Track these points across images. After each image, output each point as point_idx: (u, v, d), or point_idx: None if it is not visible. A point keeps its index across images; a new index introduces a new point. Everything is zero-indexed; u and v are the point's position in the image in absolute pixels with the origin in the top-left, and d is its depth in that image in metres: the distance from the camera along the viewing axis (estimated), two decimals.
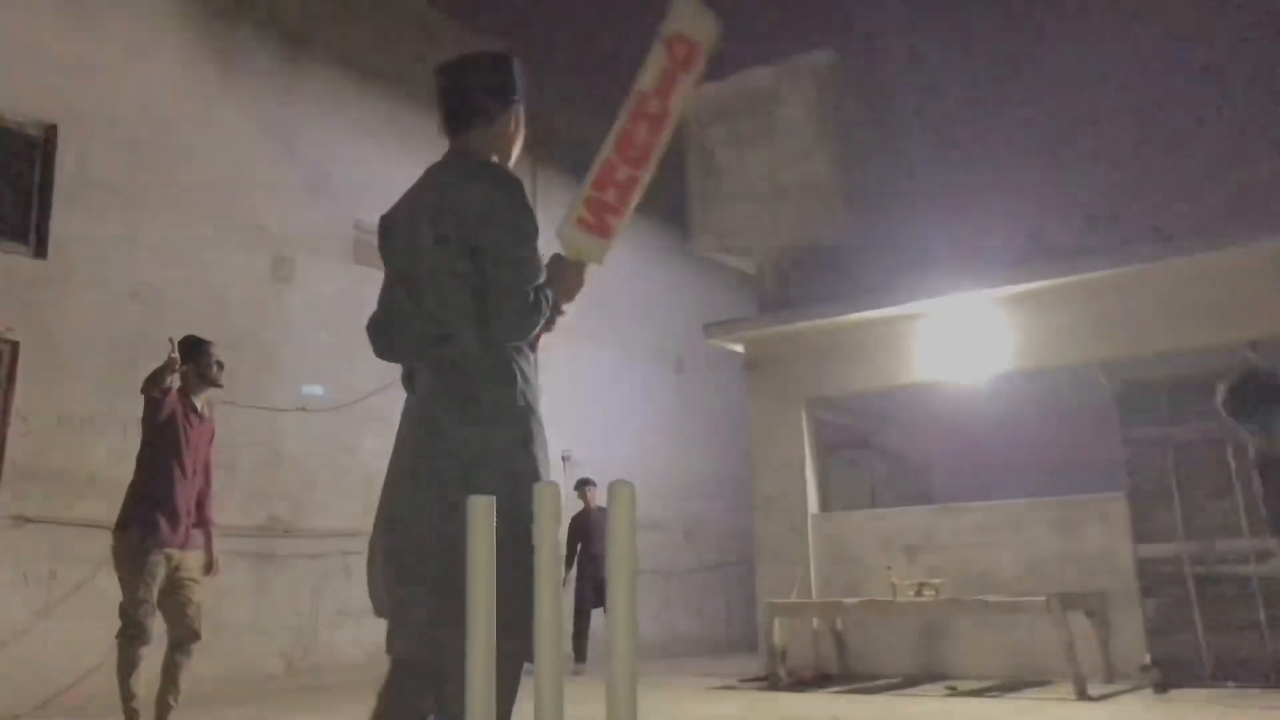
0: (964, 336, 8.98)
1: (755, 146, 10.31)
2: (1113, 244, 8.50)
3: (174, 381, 5.31)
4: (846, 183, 9.98)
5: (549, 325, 2.66)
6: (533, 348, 2.68)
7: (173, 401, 5.30)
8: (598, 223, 2.70)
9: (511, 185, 2.59)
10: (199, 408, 5.43)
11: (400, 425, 2.64)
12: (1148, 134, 9.28)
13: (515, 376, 2.53)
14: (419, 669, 2.45)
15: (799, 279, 10.14)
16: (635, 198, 2.75)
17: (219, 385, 5.54)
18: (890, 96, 11.14)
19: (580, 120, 13.11)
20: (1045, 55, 10.44)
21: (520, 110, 2.80)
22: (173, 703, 5.11)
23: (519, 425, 2.52)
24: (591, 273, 2.74)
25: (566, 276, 2.70)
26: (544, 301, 2.54)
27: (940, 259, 9.22)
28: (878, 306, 9.15)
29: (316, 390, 7.58)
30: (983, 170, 10.03)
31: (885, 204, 10.32)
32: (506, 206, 2.54)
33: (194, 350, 5.42)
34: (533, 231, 2.55)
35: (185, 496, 5.26)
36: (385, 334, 2.69)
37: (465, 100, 2.76)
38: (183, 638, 5.16)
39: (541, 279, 2.55)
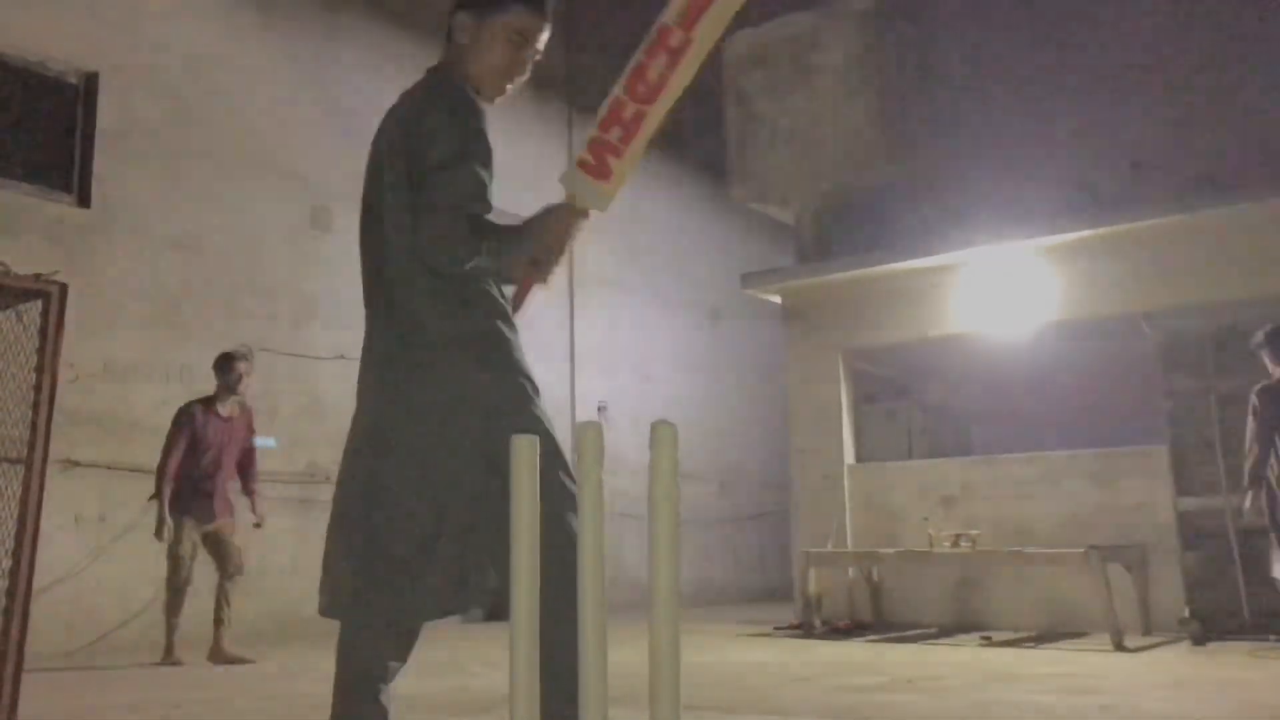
0: (1005, 287, 8.87)
1: (794, 93, 10.18)
2: (1158, 193, 8.34)
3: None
4: (887, 130, 9.84)
5: (541, 276, 2.40)
6: (515, 304, 2.46)
7: (186, 419, 6.65)
8: (598, 165, 2.43)
9: (452, 101, 2.35)
10: (223, 412, 6.71)
11: (372, 379, 2.44)
12: (1195, 81, 9.05)
13: (476, 314, 2.34)
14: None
15: (838, 228, 10.04)
16: (642, 138, 2.41)
17: (236, 393, 6.77)
18: (932, 41, 10.93)
19: (617, 62, 12.96)
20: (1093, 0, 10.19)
21: (500, 23, 2.45)
22: (224, 619, 6.38)
23: (483, 369, 2.33)
24: (592, 220, 2.45)
25: (551, 222, 2.38)
26: (483, 230, 2.28)
27: (982, 208, 9.09)
28: (918, 256, 9.05)
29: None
30: (1026, 117, 9.84)
31: (926, 152, 10.17)
32: (442, 123, 2.30)
33: (219, 366, 6.77)
34: (471, 150, 2.29)
35: (212, 484, 6.55)
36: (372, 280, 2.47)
37: (449, 11, 2.48)
38: (227, 572, 6.49)
39: (478, 205, 2.28)
